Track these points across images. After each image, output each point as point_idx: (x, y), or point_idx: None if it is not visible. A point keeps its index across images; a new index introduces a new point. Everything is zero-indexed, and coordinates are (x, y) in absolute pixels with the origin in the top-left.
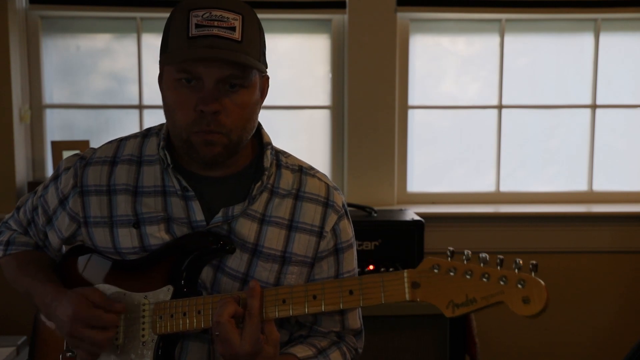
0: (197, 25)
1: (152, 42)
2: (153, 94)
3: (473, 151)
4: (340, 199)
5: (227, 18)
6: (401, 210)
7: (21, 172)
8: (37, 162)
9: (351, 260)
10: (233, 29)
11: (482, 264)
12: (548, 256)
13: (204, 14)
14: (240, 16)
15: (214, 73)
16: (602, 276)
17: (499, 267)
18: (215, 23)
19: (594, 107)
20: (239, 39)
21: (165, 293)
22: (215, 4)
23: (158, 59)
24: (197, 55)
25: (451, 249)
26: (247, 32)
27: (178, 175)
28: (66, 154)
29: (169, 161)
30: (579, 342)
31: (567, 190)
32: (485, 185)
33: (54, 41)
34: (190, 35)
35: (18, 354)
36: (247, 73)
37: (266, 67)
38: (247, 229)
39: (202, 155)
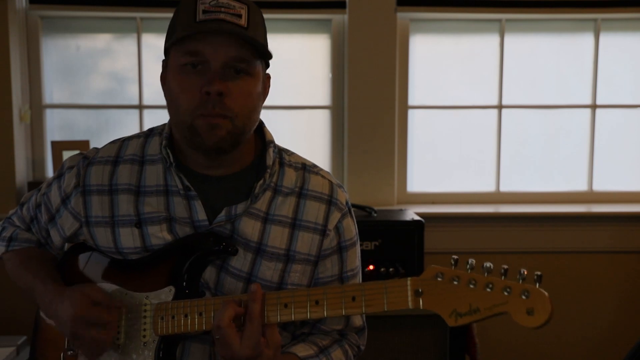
0: (204, 11)
1: (152, 42)
2: (153, 94)
3: (473, 151)
4: (343, 196)
5: (234, 6)
6: (401, 210)
7: (21, 172)
8: (37, 162)
9: (354, 259)
10: (239, 16)
11: (486, 274)
12: (548, 256)
13: (211, 1)
14: (246, 6)
15: (221, 55)
16: (601, 276)
17: (503, 277)
18: (222, 9)
19: (594, 107)
20: (245, 26)
21: (166, 294)
22: None
23: (158, 59)
24: (206, 29)
25: (455, 257)
26: (252, 21)
27: (180, 174)
28: (66, 154)
29: (172, 160)
30: (578, 342)
31: (567, 190)
32: (485, 185)
33: (54, 41)
34: (197, 20)
35: (18, 354)
36: (253, 60)
37: (271, 57)
38: (250, 227)
39: (206, 140)
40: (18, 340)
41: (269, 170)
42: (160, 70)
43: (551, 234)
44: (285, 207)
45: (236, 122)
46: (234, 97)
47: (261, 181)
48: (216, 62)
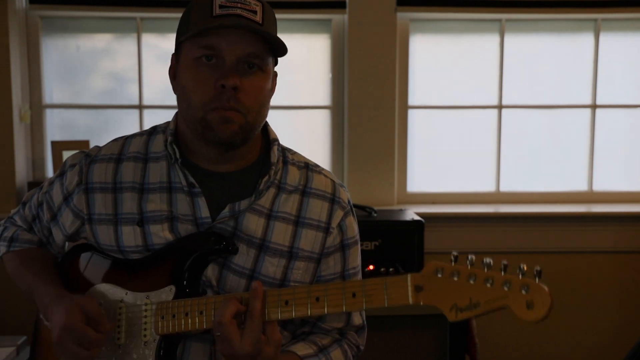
0: (221, 6)
1: (152, 42)
2: (153, 94)
3: (473, 151)
4: (345, 195)
5: (249, 2)
6: (401, 210)
7: (21, 172)
8: (37, 162)
9: (356, 257)
10: (255, 12)
11: (485, 269)
12: (548, 256)
13: None
14: (261, 4)
15: (236, 50)
16: (602, 276)
17: (502, 272)
18: (239, 5)
19: (594, 107)
20: (260, 22)
21: (167, 293)
22: None
23: (158, 59)
24: (224, 23)
25: (455, 253)
26: (267, 17)
27: (185, 170)
28: (66, 153)
29: (178, 156)
30: (578, 342)
31: (567, 190)
32: (485, 185)
33: (54, 41)
34: (214, 14)
35: (18, 354)
36: (266, 56)
37: (286, 52)
38: (254, 224)
39: (219, 133)
40: (18, 340)
41: (273, 167)
42: (160, 69)
43: (551, 234)
44: (289, 205)
45: (248, 117)
46: (247, 92)
47: (266, 177)
48: (231, 56)
